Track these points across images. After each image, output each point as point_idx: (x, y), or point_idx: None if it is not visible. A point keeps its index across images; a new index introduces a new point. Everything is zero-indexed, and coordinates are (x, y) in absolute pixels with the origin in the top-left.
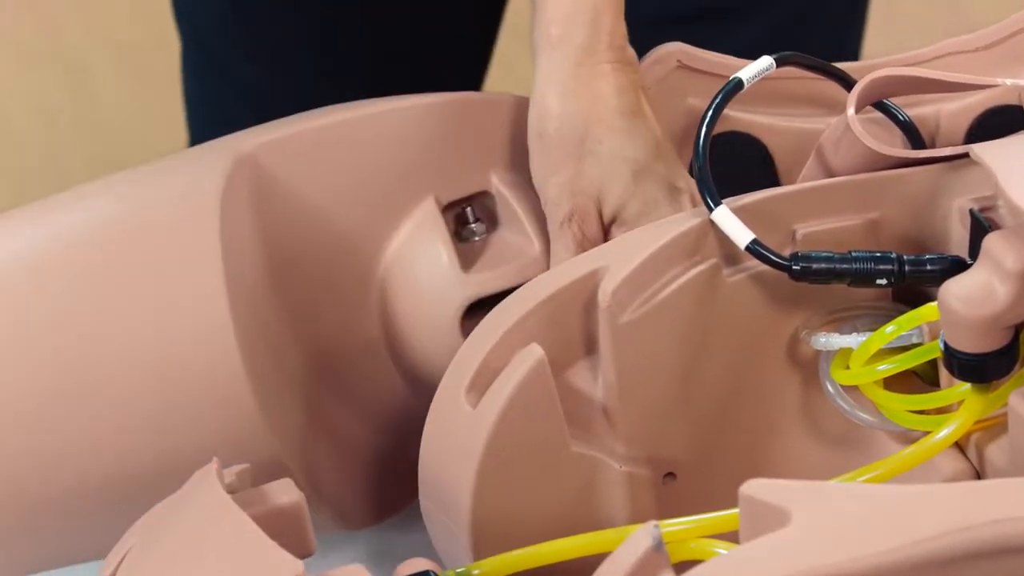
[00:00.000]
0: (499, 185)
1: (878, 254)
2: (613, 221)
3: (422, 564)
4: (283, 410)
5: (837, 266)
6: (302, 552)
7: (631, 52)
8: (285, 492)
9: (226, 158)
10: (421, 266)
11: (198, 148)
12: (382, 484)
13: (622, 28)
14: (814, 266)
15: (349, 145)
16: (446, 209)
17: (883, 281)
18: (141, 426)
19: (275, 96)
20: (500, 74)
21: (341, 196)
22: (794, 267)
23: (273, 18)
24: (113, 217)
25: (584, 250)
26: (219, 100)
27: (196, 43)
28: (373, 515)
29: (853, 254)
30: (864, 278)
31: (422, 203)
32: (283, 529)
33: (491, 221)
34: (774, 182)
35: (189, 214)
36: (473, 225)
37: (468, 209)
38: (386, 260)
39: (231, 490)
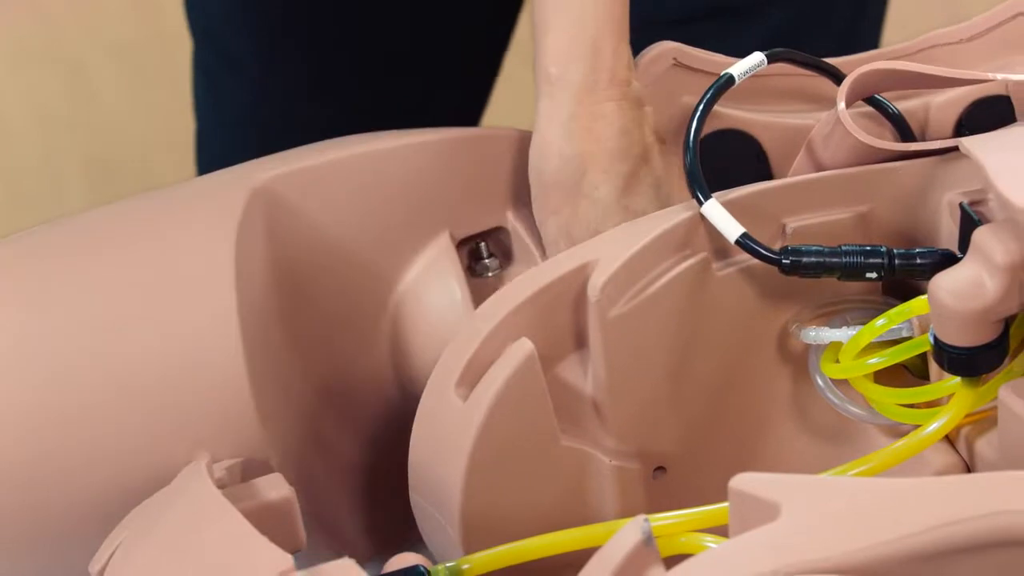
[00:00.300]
0: (514, 221)
1: (868, 248)
2: None
3: (412, 559)
4: (287, 437)
5: (827, 260)
6: (292, 546)
7: (636, 86)
8: (275, 487)
9: (243, 189)
10: (434, 301)
11: (214, 177)
12: (384, 514)
13: (625, 59)
14: (804, 260)
15: (364, 179)
16: (460, 244)
17: (873, 275)
18: (143, 442)
19: (286, 95)
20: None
21: (355, 229)
22: (784, 261)
23: (286, 15)
24: (130, 246)
25: None
26: (230, 98)
27: (207, 39)
28: (373, 544)
29: (843, 248)
30: (854, 272)
31: (436, 238)
32: (272, 524)
33: (505, 257)
34: (767, 178)
35: (205, 243)
36: (487, 260)
37: (482, 244)
38: (399, 294)
39: (221, 485)
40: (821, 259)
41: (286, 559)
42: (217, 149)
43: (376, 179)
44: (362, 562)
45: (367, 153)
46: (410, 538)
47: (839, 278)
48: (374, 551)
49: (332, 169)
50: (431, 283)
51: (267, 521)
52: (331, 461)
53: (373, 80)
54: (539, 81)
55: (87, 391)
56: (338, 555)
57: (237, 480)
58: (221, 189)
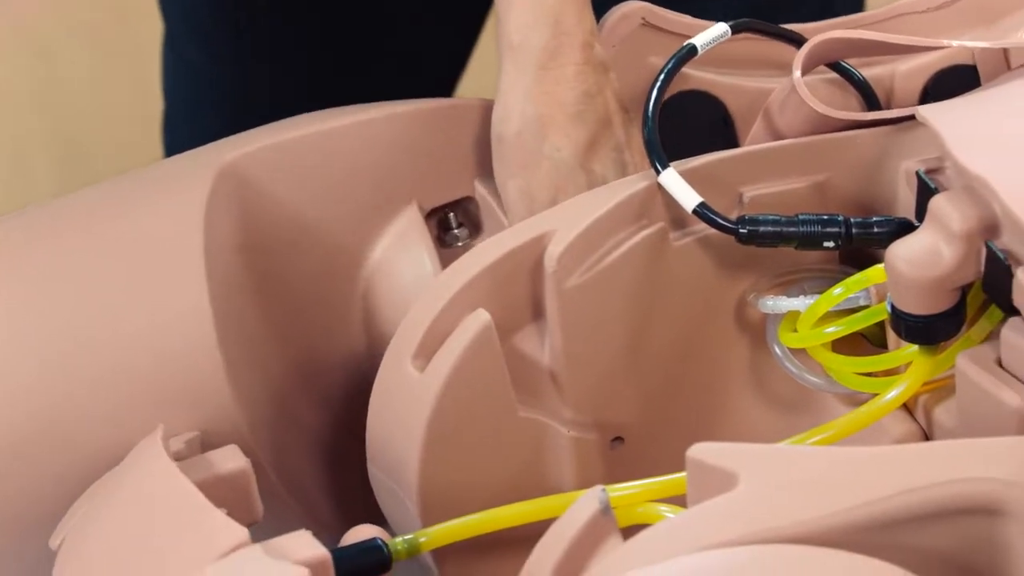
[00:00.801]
0: (482, 190)
1: (825, 217)
2: None
3: (370, 531)
4: (258, 409)
5: (784, 229)
6: (249, 519)
7: (600, 51)
8: (231, 459)
9: (209, 169)
10: (404, 273)
11: (180, 159)
12: (353, 487)
13: (588, 24)
14: (761, 229)
15: (330, 154)
16: (429, 215)
17: (830, 244)
18: (111, 416)
19: (255, 72)
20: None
21: (323, 205)
22: (741, 230)
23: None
24: (99, 230)
25: None
26: (197, 76)
27: (176, 18)
28: (343, 516)
29: (800, 217)
30: (811, 241)
31: (405, 210)
32: (228, 496)
33: (474, 226)
34: (732, 140)
35: (173, 224)
36: (456, 231)
37: (451, 215)
38: (369, 267)
39: (179, 457)
40: (778, 228)
41: (241, 532)
42: (185, 128)
43: (342, 153)
44: (332, 534)
45: (333, 129)
46: (380, 511)
47: (796, 247)
48: (345, 523)
49: (298, 146)
50: (401, 255)
51: (223, 493)
52: (302, 434)
53: (344, 57)
54: (502, 49)
55: (54, 368)
56: (308, 525)
57: (196, 452)
58: (187, 171)
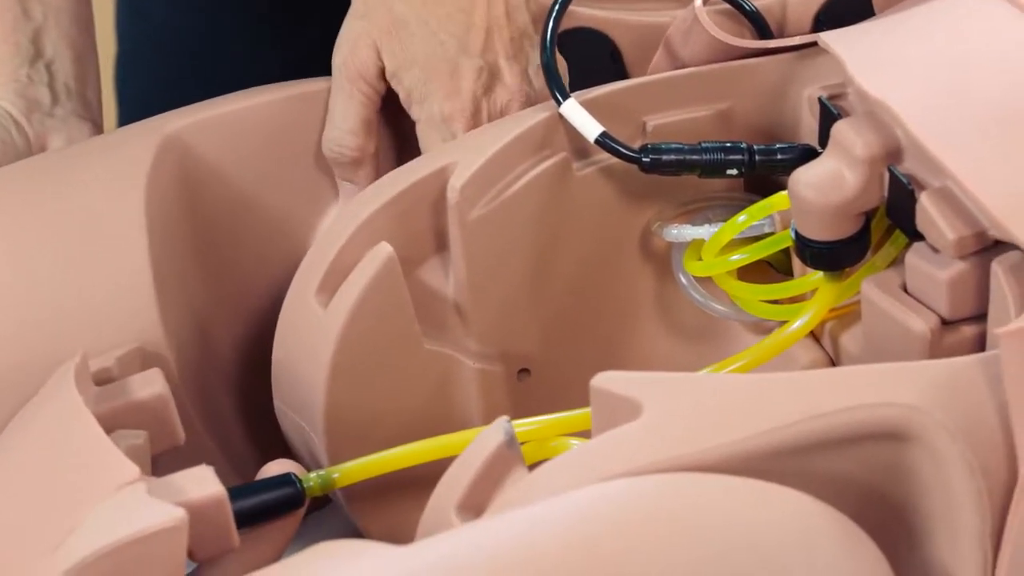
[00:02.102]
0: None
1: (728, 144)
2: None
3: (285, 467)
4: (188, 355)
5: (687, 157)
6: (170, 442)
7: None
8: (149, 384)
9: (152, 138)
10: None
11: (125, 129)
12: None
13: None
14: (664, 158)
15: (275, 127)
16: None
17: (733, 171)
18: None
19: (211, 15)
20: None
21: (268, 177)
22: (644, 159)
23: None
24: (40, 199)
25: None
26: (152, 18)
27: None
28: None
29: (703, 145)
30: (714, 168)
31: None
32: (147, 420)
33: None
34: (622, 76)
35: (115, 194)
36: None
37: None
38: (316, 238)
39: (104, 378)
40: (681, 156)
41: (132, 470)
42: (139, 73)
43: (286, 126)
44: (252, 471)
45: (279, 100)
46: None
47: (700, 175)
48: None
49: (244, 117)
50: None
51: (142, 418)
52: (225, 375)
53: (305, 8)
54: None
55: None
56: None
57: (134, 370)
58: (132, 139)
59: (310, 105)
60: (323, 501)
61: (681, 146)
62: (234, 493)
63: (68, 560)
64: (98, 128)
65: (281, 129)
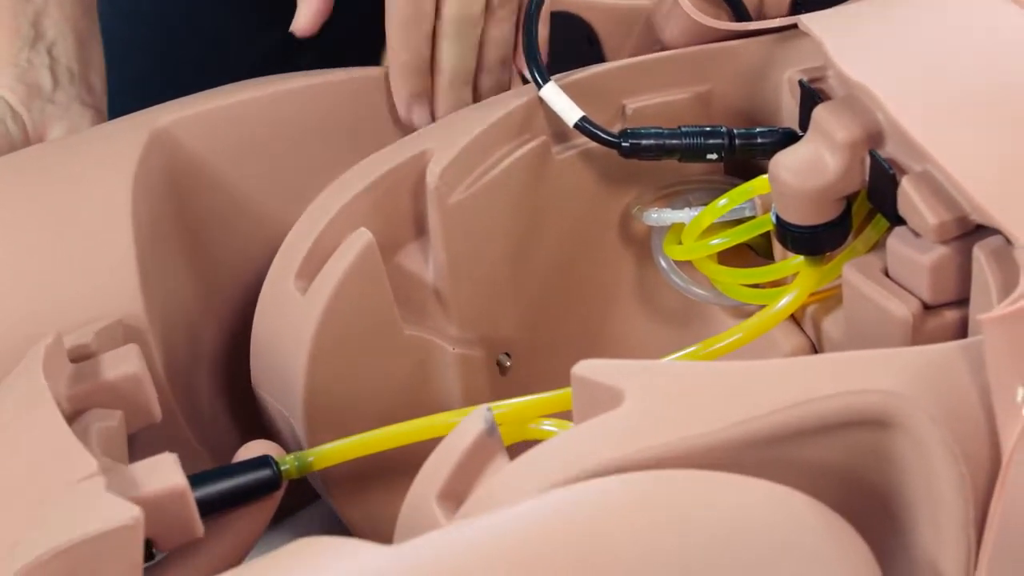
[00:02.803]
0: None
1: (708, 128)
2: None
3: (265, 447)
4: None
5: (667, 141)
6: (146, 420)
7: None
8: (123, 360)
9: (142, 132)
10: None
11: (115, 122)
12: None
13: None
14: (643, 142)
15: (264, 122)
16: None
17: (713, 155)
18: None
19: (195, 15)
20: None
21: (256, 172)
22: (623, 144)
23: None
24: (27, 190)
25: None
26: (135, 16)
27: None
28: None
29: (683, 129)
30: (694, 152)
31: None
32: (122, 398)
33: None
34: (599, 60)
35: (102, 184)
36: None
37: None
38: None
39: (82, 354)
40: (660, 141)
41: (90, 464)
42: (125, 59)
43: (275, 121)
44: (228, 456)
45: (264, 96)
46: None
47: (679, 159)
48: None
49: (233, 112)
50: None
51: (116, 396)
52: (207, 361)
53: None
54: None
55: None
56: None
57: (116, 344)
58: (121, 132)
59: (300, 101)
60: (310, 497)
61: (661, 131)
62: (209, 476)
63: (20, 559)
64: (101, 116)
65: (271, 124)
